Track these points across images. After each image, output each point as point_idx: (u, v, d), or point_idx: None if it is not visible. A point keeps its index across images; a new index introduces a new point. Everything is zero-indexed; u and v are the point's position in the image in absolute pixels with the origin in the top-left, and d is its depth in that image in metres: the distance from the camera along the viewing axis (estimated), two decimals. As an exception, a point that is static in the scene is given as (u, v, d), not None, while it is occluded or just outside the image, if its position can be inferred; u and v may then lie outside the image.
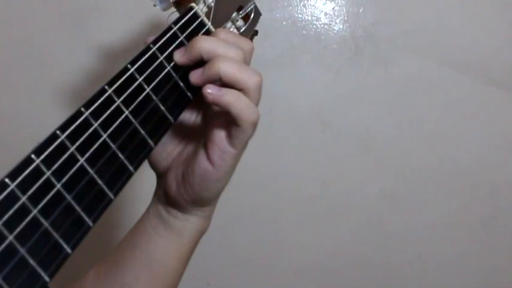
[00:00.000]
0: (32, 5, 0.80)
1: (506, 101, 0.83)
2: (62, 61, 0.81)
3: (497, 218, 0.86)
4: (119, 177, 0.35)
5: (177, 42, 0.41)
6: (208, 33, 0.44)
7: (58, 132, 0.32)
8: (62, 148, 0.32)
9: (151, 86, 0.38)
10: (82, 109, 0.34)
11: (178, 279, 0.47)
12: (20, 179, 0.29)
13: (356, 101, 0.84)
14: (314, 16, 0.82)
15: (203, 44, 0.39)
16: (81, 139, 0.33)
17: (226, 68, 0.38)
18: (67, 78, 0.80)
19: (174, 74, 0.40)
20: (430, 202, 0.86)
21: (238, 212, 0.82)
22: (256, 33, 0.49)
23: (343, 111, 0.84)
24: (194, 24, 0.42)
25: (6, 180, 0.29)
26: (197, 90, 0.42)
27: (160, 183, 0.46)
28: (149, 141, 0.38)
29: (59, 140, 0.32)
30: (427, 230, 0.87)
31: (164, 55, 0.40)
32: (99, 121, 0.34)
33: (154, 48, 0.39)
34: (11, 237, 0.28)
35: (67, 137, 0.32)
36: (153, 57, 0.39)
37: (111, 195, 0.34)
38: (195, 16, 0.42)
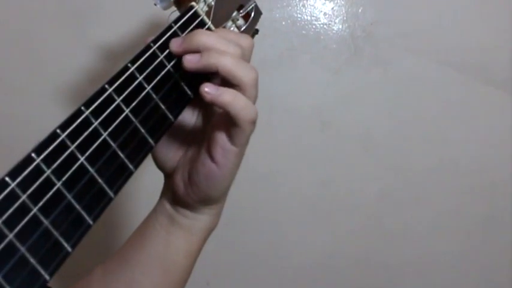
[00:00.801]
0: (32, 5, 0.80)
1: (504, 101, 0.84)
2: (62, 60, 0.81)
3: (496, 217, 0.86)
4: (119, 176, 0.35)
5: None
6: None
7: (58, 131, 0.32)
8: (62, 147, 0.32)
9: (151, 85, 0.39)
10: (82, 108, 0.34)
11: (187, 276, 0.47)
12: (20, 177, 0.29)
13: (355, 100, 0.84)
14: (313, 16, 0.82)
15: (203, 38, 0.39)
16: (81, 138, 0.33)
17: (225, 62, 0.39)
18: (67, 77, 0.80)
19: (174, 73, 0.41)
20: (429, 201, 0.86)
21: (238, 212, 0.82)
22: (256, 32, 0.49)
23: (342, 111, 0.84)
24: (194, 23, 0.42)
25: (7, 179, 0.29)
26: (197, 88, 0.42)
27: (168, 183, 0.46)
28: (149, 140, 0.38)
29: (59, 139, 0.32)
30: (426, 229, 0.87)
31: (164, 54, 0.40)
32: (99, 120, 0.34)
33: (154, 47, 0.39)
34: (11, 236, 0.29)
35: (67, 135, 0.32)
36: (154, 56, 0.39)
37: (111, 194, 0.34)
38: (196, 15, 0.42)
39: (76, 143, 0.33)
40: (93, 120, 0.34)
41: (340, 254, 0.88)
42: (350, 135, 0.84)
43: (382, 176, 0.85)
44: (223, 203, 0.46)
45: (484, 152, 0.85)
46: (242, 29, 0.47)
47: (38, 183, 0.30)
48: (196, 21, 0.42)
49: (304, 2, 0.82)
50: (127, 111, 0.36)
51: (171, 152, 0.45)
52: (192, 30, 0.42)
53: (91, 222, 0.33)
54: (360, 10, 0.82)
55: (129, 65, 0.37)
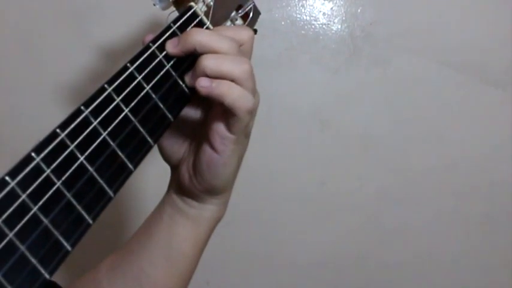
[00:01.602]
0: (32, 4, 0.80)
1: (503, 100, 0.84)
2: (62, 60, 0.81)
3: (494, 216, 0.87)
4: (119, 175, 0.35)
5: None
6: None
7: (58, 130, 0.32)
8: (62, 146, 0.32)
9: (150, 85, 0.39)
10: (82, 107, 0.34)
11: (194, 266, 0.48)
12: (20, 177, 0.29)
13: (354, 100, 0.84)
14: (312, 16, 0.82)
15: (197, 37, 0.40)
16: (81, 137, 0.33)
17: (209, 63, 0.39)
18: (67, 77, 0.80)
19: (173, 73, 0.41)
20: (427, 201, 0.86)
21: (238, 211, 0.82)
22: (255, 32, 0.50)
23: (341, 110, 0.84)
24: (193, 23, 0.42)
25: (7, 178, 0.29)
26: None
27: (174, 175, 0.47)
28: (149, 139, 0.38)
29: (59, 138, 0.32)
30: (425, 228, 0.87)
31: (163, 54, 0.40)
32: (98, 119, 0.35)
33: (153, 47, 0.39)
34: (11, 235, 0.29)
35: (67, 135, 0.32)
36: (153, 56, 0.39)
37: (110, 193, 0.34)
38: (194, 15, 0.42)
39: (76, 143, 0.33)
40: (93, 120, 0.34)
41: (339, 253, 0.88)
42: (349, 134, 0.84)
43: (381, 176, 0.85)
44: (229, 193, 0.47)
45: (483, 152, 0.85)
46: None
47: (37, 182, 0.30)
48: (195, 21, 0.42)
49: (304, 2, 0.82)
50: (126, 110, 0.37)
51: (177, 145, 0.46)
52: None
53: (91, 221, 0.33)
54: (359, 10, 0.82)
55: (128, 64, 0.37)
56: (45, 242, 0.30)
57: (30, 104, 0.82)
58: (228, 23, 0.46)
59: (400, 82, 0.83)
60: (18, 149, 0.31)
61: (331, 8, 0.82)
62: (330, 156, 0.85)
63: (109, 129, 0.35)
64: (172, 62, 0.41)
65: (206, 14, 0.43)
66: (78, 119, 0.33)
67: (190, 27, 0.42)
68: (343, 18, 0.82)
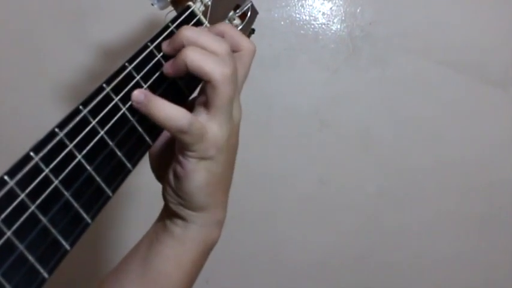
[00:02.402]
0: (31, 3, 0.80)
1: (502, 100, 0.84)
2: (61, 59, 0.81)
3: (493, 216, 0.87)
4: (117, 174, 0.35)
5: None
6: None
7: (56, 129, 0.32)
8: (61, 145, 0.32)
9: (148, 84, 0.39)
10: (80, 107, 0.34)
11: None
12: (18, 176, 0.29)
13: (354, 100, 0.84)
14: (312, 16, 0.82)
15: (185, 33, 0.39)
16: (80, 136, 0.33)
17: (192, 57, 0.37)
18: (65, 77, 0.81)
19: None
20: (427, 200, 0.86)
21: (237, 211, 0.81)
22: (253, 31, 0.50)
23: (340, 110, 0.84)
24: (191, 23, 0.42)
25: (5, 177, 0.29)
26: (194, 87, 0.42)
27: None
28: (146, 138, 0.38)
29: (57, 138, 0.32)
30: (424, 227, 0.87)
31: (161, 53, 0.40)
32: (97, 119, 0.35)
33: (151, 47, 0.39)
34: (9, 234, 0.29)
35: (65, 134, 0.32)
36: (151, 55, 0.39)
37: (109, 192, 0.34)
38: (192, 15, 0.42)
39: (74, 142, 0.33)
40: (91, 119, 0.34)
41: (338, 253, 0.88)
42: (348, 134, 0.85)
43: (380, 175, 0.86)
44: (215, 213, 0.44)
45: (482, 151, 0.85)
46: (238, 28, 0.47)
47: (36, 181, 0.30)
48: (193, 21, 0.42)
49: (303, 2, 0.82)
50: (124, 109, 0.37)
51: (163, 163, 0.45)
52: None
53: (89, 220, 0.33)
54: (358, 10, 0.82)
55: (126, 64, 0.37)
56: (43, 241, 0.30)
57: (28, 103, 0.82)
58: (226, 22, 0.46)
59: (399, 82, 0.83)
60: (17, 149, 0.31)
61: (331, 8, 0.82)
62: (329, 156, 0.85)
63: (107, 128, 0.35)
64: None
65: (204, 13, 0.43)
66: (77, 119, 0.33)
67: (187, 27, 0.42)
68: (343, 18, 0.82)
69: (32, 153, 0.30)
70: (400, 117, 0.84)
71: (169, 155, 0.44)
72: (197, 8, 0.43)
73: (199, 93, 0.41)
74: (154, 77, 0.39)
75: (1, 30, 0.81)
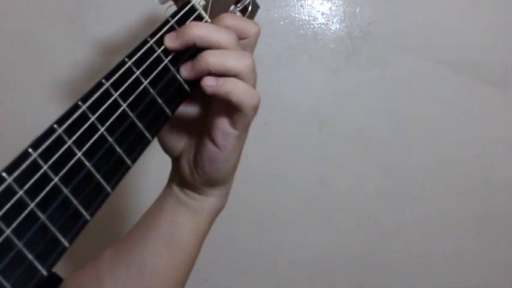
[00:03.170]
0: (29, 2, 0.80)
1: (501, 100, 0.84)
2: (60, 55, 0.81)
3: (492, 216, 0.87)
4: (117, 171, 0.35)
5: None
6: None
7: (55, 126, 0.32)
8: (59, 142, 0.32)
9: (148, 80, 0.38)
10: (79, 103, 0.34)
11: (195, 256, 0.48)
12: (17, 173, 0.29)
13: (353, 100, 0.84)
14: (311, 16, 0.82)
15: (196, 30, 0.40)
16: (79, 133, 0.33)
17: (214, 60, 0.39)
18: (64, 73, 0.80)
19: (171, 67, 0.40)
20: (426, 200, 0.86)
21: (237, 210, 0.82)
22: None
23: (340, 110, 0.84)
24: (192, 18, 0.42)
25: (4, 174, 0.29)
26: (195, 83, 0.42)
27: (175, 167, 0.48)
28: (146, 134, 0.38)
29: (56, 134, 0.32)
30: (423, 227, 0.87)
31: (161, 48, 0.40)
32: (96, 115, 0.34)
33: (151, 42, 0.39)
34: (8, 231, 0.28)
35: (64, 130, 0.32)
36: (151, 50, 0.39)
37: (108, 188, 0.34)
38: (193, 9, 0.42)
39: (73, 138, 0.33)
40: (90, 115, 0.34)
41: (338, 252, 0.88)
42: (348, 134, 0.84)
43: (379, 175, 0.85)
44: (230, 185, 0.47)
45: (481, 151, 0.85)
46: None
47: (35, 178, 0.30)
48: (194, 16, 0.42)
49: (302, 1, 0.82)
50: (124, 106, 0.36)
51: (177, 138, 0.46)
52: None
53: (88, 217, 0.33)
54: (357, 10, 0.82)
55: (126, 59, 0.37)
56: (42, 238, 0.30)
57: (27, 100, 0.82)
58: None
59: (399, 82, 0.83)
60: (16, 145, 0.31)
61: (330, 8, 0.82)
62: (328, 156, 0.85)
63: (106, 124, 0.35)
64: (170, 57, 0.40)
65: (204, 8, 0.43)
66: (76, 115, 0.33)
67: (188, 21, 0.42)
68: (342, 18, 0.82)
69: (30, 150, 0.30)
70: (400, 117, 0.84)
71: (189, 135, 0.46)
72: (197, 2, 0.42)
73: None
74: (154, 73, 0.39)
75: (0, 29, 0.81)
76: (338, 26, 0.82)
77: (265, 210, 0.86)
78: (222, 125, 0.41)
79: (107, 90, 0.35)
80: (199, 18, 0.43)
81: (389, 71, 0.83)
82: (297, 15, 0.82)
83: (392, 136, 0.85)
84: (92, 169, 0.33)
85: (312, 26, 0.83)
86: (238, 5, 0.46)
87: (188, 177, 0.45)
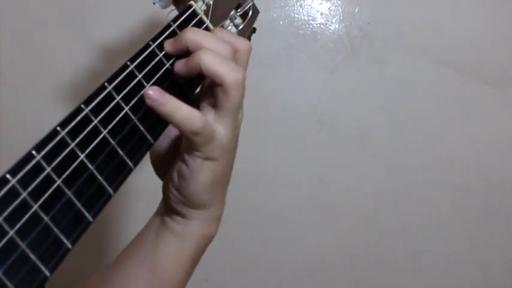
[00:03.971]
0: (32, 3, 0.80)
1: (500, 100, 0.84)
2: (62, 59, 0.81)
3: (490, 215, 0.87)
4: (119, 173, 0.35)
5: None
6: (206, 30, 0.44)
7: (58, 128, 0.32)
8: (62, 144, 0.32)
9: (150, 83, 0.39)
10: (82, 106, 0.34)
11: (180, 281, 0.46)
12: (20, 174, 0.29)
13: (352, 99, 0.84)
14: (310, 16, 0.83)
15: (190, 36, 0.39)
16: (81, 135, 0.33)
17: (207, 59, 0.38)
18: (67, 75, 0.80)
19: (173, 71, 0.41)
20: (424, 200, 0.86)
21: (236, 210, 0.82)
22: (254, 30, 0.50)
23: (339, 110, 0.84)
24: (193, 22, 0.42)
25: (7, 176, 0.29)
26: (196, 86, 0.42)
27: (163, 189, 0.47)
28: (148, 137, 0.38)
29: (59, 136, 0.32)
30: (421, 227, 0.87)
31: (163, 52, 0.40)
32: (99, 117, 0.35)
33: (153, 46, 0.39)
34: (11, 233, 0.29)
35: (67, 133, 0.32)
36: (152, 54, 0.39)
37: (110, 190, 0.34)
38: (194, 14, 0.43)
39: (76, 141, 0.33)
40: (93, 118, 0.34)
41: (336, 251, 0.88)
42: (347, 134, 0.85)
43: (378, 174, 0.86)
44: (215, 210, 0.45)
45: (479, 151, 0.85)
46: (240, 27, 0.47)
47: (38, 180, 0.30)
48: (195, 20, 0.42)
49: (301, 1, 0.82)
50: (126, 109, 0.37)
51: (164, 158, 0.46)
52: None
53: (91, 219, 0.33)
54: (356, 10, 0.82)
55: (128, 63, 0.37)
56: (45, 240, 0.30)
57: (30, 103, 0.82)
58: (228, 21, 0.46)
59: (398, 81, 0.84)
60: (19, 147, 0.31)
61: (329, 8, 0.82)
62: (328, 155, 0.85)
63: (109, 127, 0.35)
64: (171, 61, 0.41)
65: (206, 12, 0.43)
66: (79, 117, 0.33)
67: (189, 26, 0.42)
68: (341, 17, 0.82)
69: (34, 152, 0.30)
70: (399, 117, 0.84)
71: (172, 154, 0.45)
72: (199, 7, 0.43)
73: (205, 94, 0.42)
74: (156, 76, 0.39)
75: (2, 31, 0.80)
76: (337, 26, 0.83)
77: (265, 210, 0.86)
78: (184, 142, 0.41)
79: (109, 93, 0.35)
80: (201, 22, 0.43)
81: (388, 71, 0.83)
82: (296, 15, 0.82)
83: (391, 136, 0.85)
84: (95, 171, 0.34)
85: (311, 26, 0.83)
86: (239, 10, 0.46)
87: (170, 198, 0.44)
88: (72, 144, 0.33)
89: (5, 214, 0.28)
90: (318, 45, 0.83)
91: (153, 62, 0.39)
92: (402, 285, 0.89)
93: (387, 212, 0.87)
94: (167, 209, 0.45)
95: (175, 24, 0.41)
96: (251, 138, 0.82)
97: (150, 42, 0.39)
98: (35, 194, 0.30)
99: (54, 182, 0.31)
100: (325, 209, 0.87)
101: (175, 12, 0.43)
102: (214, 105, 0.40)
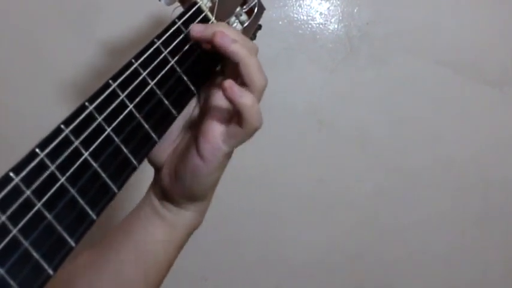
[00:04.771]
0: (34, 2, 0.79)
1: (499, 99, 0.84)
2: (66, 57, 0.80)
3: (489, 215, 0.87)
4: (123, 171, 0.35)
5: (181, 37, 0.41)
6: None
7: (62, 126, 0.32)
8: (66, 142, 0.32)
9: (155, 81, 0.39)
10: (86, 103, 0.34)
11: (166, 269, 0.47)
12: (24, 172, 0.29)
13: (351, 99, 0.84)
14: (309, 16, 0.83)
15: (223, 29, 0.40)
16: (86, 133, 0.33)
17: (251, 62, 0.39)
18: (71, 73, 0.80)
19: (178, 69, 0.40)
20: (423, 199, 0.87)
21: (235, 209, 0.82)
22: (259, 27, 0.50)
23: (338, 109, 0.85)
24: (198, 19, 0.42)
25: (11, 174, 0.29)
26: (201, 84, 0.42)
27: (156, 177, 0.47)
28: (153, 135, 0.38)
29: (63, 134, 0.32)
30: (420, 226, 0.87)
31: (168, 50, 0.40)
32: (103, 115, 0.34)
33: (158, 43, 0.39)
34: (15, 231, 0.28)
35: (71, 131, 0.32)
36: (157, 51, 0.39)
37: (114, 188, 0.34)
38: (199, 11, 0.42)
39: (80, 139, 0.33)
40: (97, 116, 0.34)
41: (336, 251, 0.88)
42: (346, 133, 0.85)
43: (377, 174, 0.86)
44: (208, 202, 0.46)
45: (479, 151, 0.86)
46: (245, 24, 0.47)
47: (42, 178, 0.30)
48: (200, 17, 0.42)
49: (301, 1, 0.82)
50: (131, 106, 0.36)
51: (162, 147, 0.45)
52: None
53: (94, 217, 0.33)
54: (355, 10, 0.83)
55: (133, 60, 0.37)
56: (49, 238, 0.30)
57: (34, 101, 0.81)
58: (233, 18, 0.46)
59: (397, 81, 0.84)
60: (23, 146, 0.31)
61: (328, 8, 0.83)
62: (327, 155, 0.85)
63: (113, 125, 0.35)
64: (176, 58, 0.41)
65: (211, 9, 0.43)
66: (83, 115, 0.33)
67: (195, 22, 0.42)
68: (340, 17, 0.83)
69: (37, 150, 0.30)
70: (398, 117, 0.85)
71: (171, 145, 0.45)
72: (204, 4, 0.42)
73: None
74: (161, 74, 0.39)
75: (4, 30, 0.80)
76: (336, 26, 0.83)
77: (265, 209, 0.86)
78: (214, 139, 0.40)
79: (114, 91, 0.35)
80: (206, 19, 0.43)
81: (387, 71, 0.83)
82: (295, 15, 0.82)
83: (390, 135, 0.85)
84: (99, 169, 0.33)
85: (310, 26, 0.83)
86: (244, 7, 0.46)
87: (168, 189, 0.44)
88: (76, 142, 0.32)
89: (8, 212, 0.28)
90: (317, 45, 0.83)
91: (158, 60, 0.39)
92: (402, 284, 0.89)
93: (387, 211, 0.87)
94: (161, 197, 0.45)
95: (180, 21, 0.41)
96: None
97: (155, 40, 0.39)
98: (39, 192, 0.30)
99: (58, 180, 0.31)
100: (324, 208, 0.87)
101: (180, 9, 0.43)
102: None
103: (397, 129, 0.85)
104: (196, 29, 0.40)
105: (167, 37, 0.40)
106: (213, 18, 0.43)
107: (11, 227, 0.28)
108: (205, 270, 0.84)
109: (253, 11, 0.47)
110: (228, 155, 0.41)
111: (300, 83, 0.84)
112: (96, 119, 0.34)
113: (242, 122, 0.39)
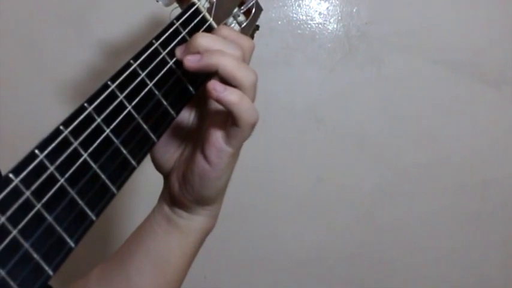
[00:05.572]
0: (33, 3, 0.79)
1: (496, 99, 0.85)
2: (65, 57, 0.80)
3: (487, 213, 0.88)
4: (122, 172, 0.35)
5: (179, 37, 0.41)
6: (210, 28, 0.44)
7: (61, 127, 0.32)
8: (66, 143, 0.32)
9: (153, 81, 0.38)
10: (85, 104, 0.34)
11: (182, 277, 0.47)
12: (23, 174, 0.29)
13: (350, 99, 0.84)
14: (309, 16, 0.83)
15: (201, 41, 0.39)
16: (85, 134, 0.33)
17: (226, 63, 0.38)
18: (70, 74, 0.80)
19: (176, 69, 0.41)
20: (422, 198, 0.87)
21: (235, 208, 0.82)
22: (257, 28, 0.50)
23: (337, 109, 0.85)
24: (196, 20, 0.42)
25: (10, 175, 0.29)
26: (199, 85, 0.42)
27: (166, 184, 0.47)
28: (151, 135, 0.38)
29: (62, 135, 0.32)
30: (419, 224, 0.88)
31: (166, 50, 0.40)
32: (102, 116, 0.34)
33: (156, 44, 0.39)
34: (15, 232, 0.28)
35: (70, 132, 0.32)
36: (156, 52, 0.39)
37: (114, 189, 0.34)
38: (197, 12, 0.42)
39: (79, 140, 0.33)
40: (96, 117, 0.34)
41: (334, 249, 0.88)
42: (344, 132, 0.85)
43: (376, 173, 0.86)
44: (219, 205, 0.46)
45: (476, 150, 0.86)
46: (243, 25, 0.47)
47: (41, 179, 0.30)
48: (198, 18, 0.42)
49: (300, 1, 0.82)
50: (130, 107, 0.36)
51: (168, 153, 0.45)
52: (193, 26, 0.42)
53: (94, 217, 0.33)
54: (354, 10, 0.83)
55: (131, 61, 0.37)
56: (48, 239, 0.30)
57: (33, 102, 0.81)
58: (231, 19, 0.46)
59: (395, 81, 0.84)
60: (22, 147, 0.31)
61: (327, 8, 0.83)
62: (325, 154, 0.85)
63: (112, 126, 0.35)
64: (175, 59, 0.41)
65: (209, 10, 0.43)
66: (82, 116, 0.33)
67: (193, 23, 0.42)
68: (339, 17, 0.83)
69: (37, 151, 0.30)
70: (396, 116, 0.85)
71: (177, 150, 0.45)
72: (202, 4, 0.43)
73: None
74: (160, 74, 0.39)
75: (4, 30, 0.80)
76: (335, 26, 0.83)
77: (263, 208, 0.87)
78: (217, 141, 0.40)
79: (112, 91, 0.35)
80: (204, 20, 0.43)
81: (386, 70, 0.84)
82: (294, 15, 0.83)
83: (388, 134, 0.85)
84: (98, 170, 0.33)
85: (309, 26, 0.83)
86: (242, 7, 0.46)
87: (177, 195, 0.44)
88: (75, 143, 0.32)
89: (8, 213, 0.28)
90: (316, 45, 0.83)
91: (157, 60, 0.39)
92: (399, 282, 0.89)
93: (385, 210, 0.87)
94: (171, 204, 0.45)
95: (179, 22, 0.41)
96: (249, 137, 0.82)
97: (154, 41, 0.39)
98: (38, 193, 0.30)
99: (58, 181, 0.31)
100: (323, 206, 0.87)
101: (179, 10, 0.43)
102: None
103: (395, 128, 0.85)
104: (179, 52, 0.40)
105: (165, 38, 0.40)
106: (210, 19, 0.43)
107: (10, 228, 0.28)
108: (204, 268, 0.84)
109: (251, 12, 0.47)
110: (234, 156, 0.41)
111: (299, 82, 0.84)
112: (95, 119, 0.34)
113: (235, 120, 0.39)
